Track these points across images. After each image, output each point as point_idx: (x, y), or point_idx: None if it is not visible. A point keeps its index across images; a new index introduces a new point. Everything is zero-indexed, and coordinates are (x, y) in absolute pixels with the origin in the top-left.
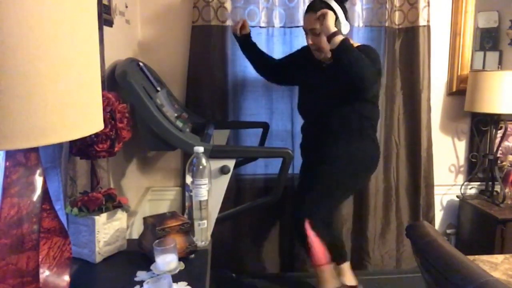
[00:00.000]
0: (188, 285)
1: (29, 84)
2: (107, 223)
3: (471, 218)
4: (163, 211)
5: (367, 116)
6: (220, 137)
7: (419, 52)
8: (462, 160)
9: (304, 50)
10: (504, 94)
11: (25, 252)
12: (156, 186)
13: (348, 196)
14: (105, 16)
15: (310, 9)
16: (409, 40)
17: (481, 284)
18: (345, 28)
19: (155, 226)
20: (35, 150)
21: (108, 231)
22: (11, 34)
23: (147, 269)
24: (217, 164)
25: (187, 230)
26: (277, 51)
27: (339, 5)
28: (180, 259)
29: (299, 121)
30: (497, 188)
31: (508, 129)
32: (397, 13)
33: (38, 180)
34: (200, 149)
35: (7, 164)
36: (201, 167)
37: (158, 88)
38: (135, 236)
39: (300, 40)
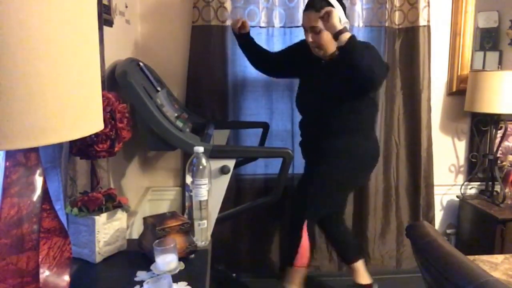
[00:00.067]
0: (188, 285)
1: (29, 84)
2: (107, 223)
3: (471, 218)
4: (163, 211)
5: (365, 112)
6: (220, 137)
7: (419, 52)
8: (462, 160)
9: (302, 44)
10: (504, 94)
11: (25, 252)
12: (156, 186)
13: (349, 194)
14: (105, 16)
15: (309, 6)
16: (409, 40)
17: (481, 284)
18: (345, 25)
19: (155, 226)
20: (35, 150)
21: (108, 231)
22: (11, 34)
23: (147, 269)
24: (217, 164)
25: (187, 230)
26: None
27: (338, 2)
28: (180, 259)
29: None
30: (497, 188)
31: (508, 129)
32: (397, 13)
33: (38, 180)
34: (200, 149)
35: (7, 164)
36: (201, 167)
37: (158, 88)
38: (135, 236)
39: None
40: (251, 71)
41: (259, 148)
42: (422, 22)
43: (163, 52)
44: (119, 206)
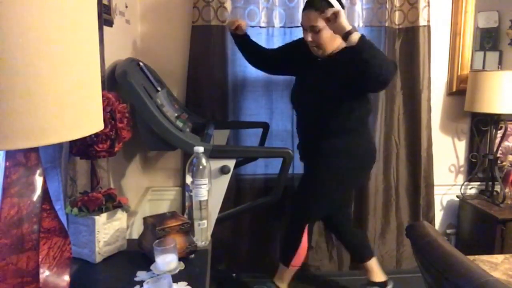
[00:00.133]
0: (188, 285)
1: (29, 84)
2: (107, 223)
3: (471, 218)
4: (163, 211)
5: (361, 111)
6: (220, 137)
7: (419, 52)
8: (462, 160)
9: (300, 42)
10: (504, 94)
11: (25, 252)
12: (156, 186)
13: (350, 193)
14: (105, 16)
15: (309, 6)
16: (409, 40)
17: (481, 284)
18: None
19: (155, 226)
20: (35, 150)
21: (108, 231)
22: (11, 34)
23: (147, 269)
24: (217, 164)
25: (187, 230)
26: None
27: (338, 1)
28: (180, 259)
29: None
30: (497, 188)
31: (508, 129)
32: (397, 13)
33: (38, 180)
34: (200, 149)
35: (7, 164)
36: (201, 167)
37: (158, 88)
38: (135, 236)
39: None
40: (251, 71)
41: (259, 148)
42: (422, 22)
43: (163, 52)
44: (119, 206)
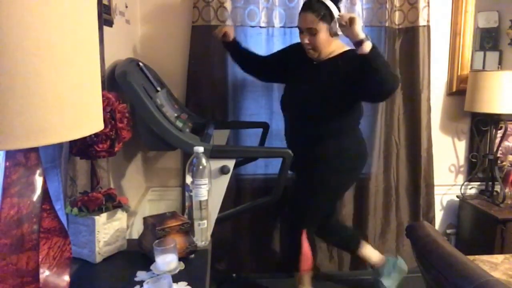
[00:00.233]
0: (188, 285)
1: (29, 84)
2: (107, 223)
3: (471, 218)
4: (163, 211)
5: (354, 113)
6: (220, 137)
7: (419, 52)
8: (462, 160)
9: (293, 48)
10: (504, 94)
11: (25, 252)
12: (156, 186)
13: (343, 195)
14: (105, 16)
15: (306, 7)
16: (409, 40)
17: (481, 284)
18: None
19: (155, 226)
20: (35, 150)
21: (108, 231)
22: (11, 34)
23: (147, 269)
24: (217, 164)
25: (187, 230)
26: None
27: (335, 5)
28: (180, 259)
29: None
30: (497, 188)
31: (508, 129)
32: (397, 13)
33: (38, 180)
34: (200, 149)
35: (7, 164)
36: (201, 167)
37: (158, 88)
38: (135, 236)
39: None
40: None
41: (259, 148)
42: (422, 22)
43: (163, 52)
44: (119, 206)
